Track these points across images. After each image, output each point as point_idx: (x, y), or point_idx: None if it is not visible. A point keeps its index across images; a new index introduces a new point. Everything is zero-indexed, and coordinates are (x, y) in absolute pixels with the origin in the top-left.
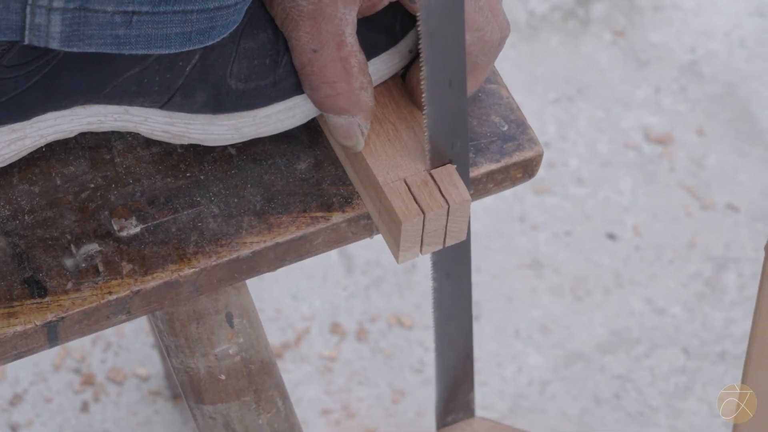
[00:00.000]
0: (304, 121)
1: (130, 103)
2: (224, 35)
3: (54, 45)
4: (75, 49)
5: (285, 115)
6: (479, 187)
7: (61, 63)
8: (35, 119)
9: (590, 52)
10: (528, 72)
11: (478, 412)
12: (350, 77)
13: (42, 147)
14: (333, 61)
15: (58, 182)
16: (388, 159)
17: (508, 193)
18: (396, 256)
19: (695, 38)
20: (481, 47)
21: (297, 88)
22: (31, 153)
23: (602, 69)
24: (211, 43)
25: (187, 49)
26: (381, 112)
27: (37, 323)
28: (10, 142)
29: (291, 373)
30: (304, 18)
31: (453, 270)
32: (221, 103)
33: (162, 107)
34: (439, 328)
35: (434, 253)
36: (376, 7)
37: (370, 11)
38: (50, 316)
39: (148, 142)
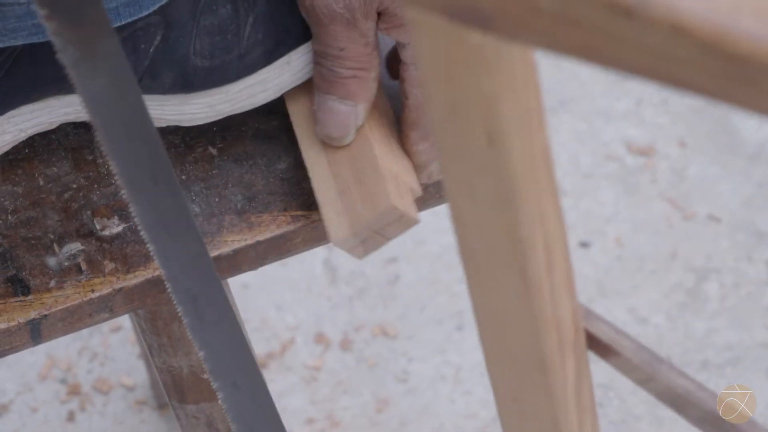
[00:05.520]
0: (278, 94)
1: None
2: (155, 6)
3: None
4: (4, 44)
5: (257, 89)
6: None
7: (20, 57)
8: (10, 114)
9: (572, 65)
10: None
11: (462, 421)
12: (372, 67)
13: (25, 148)
14: (360, 55)
15: (41, 183)
16: (392, 154)
17: None
18: (337, 238)
19: None
20: None
21: (264, 60)
22: (14, 154)
23: (584, 82)
24: (144, 14)
25: (119, 23)
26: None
27: (21, 321)
28: None
29: (276, 383)
30: (337, 22)
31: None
32: (190, 81)
33: None
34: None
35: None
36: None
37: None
38: (33, 314)
39: None
